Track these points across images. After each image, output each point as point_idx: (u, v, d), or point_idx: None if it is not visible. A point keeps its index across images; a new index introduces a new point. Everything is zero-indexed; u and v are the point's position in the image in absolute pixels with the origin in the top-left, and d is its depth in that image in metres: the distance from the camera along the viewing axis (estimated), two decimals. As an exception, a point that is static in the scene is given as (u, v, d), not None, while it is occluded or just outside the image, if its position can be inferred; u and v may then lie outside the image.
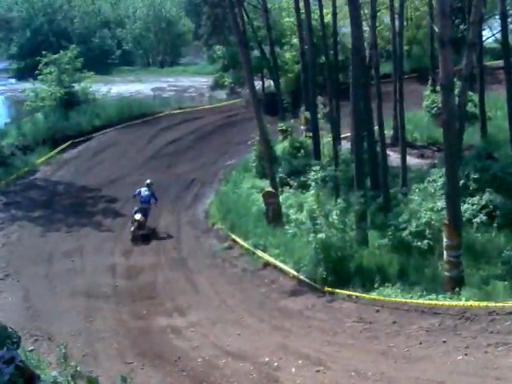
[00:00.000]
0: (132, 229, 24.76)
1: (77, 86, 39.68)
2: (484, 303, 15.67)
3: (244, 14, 32.86)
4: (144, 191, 25.70)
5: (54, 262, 22.80)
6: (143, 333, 17.74)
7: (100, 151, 35.34)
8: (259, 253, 21.99)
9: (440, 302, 16.42)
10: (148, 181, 26.25)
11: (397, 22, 27.14)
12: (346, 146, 29.05)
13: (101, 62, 56.99)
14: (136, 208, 25.30)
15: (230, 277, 21.35)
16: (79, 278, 21.50)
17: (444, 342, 14.78)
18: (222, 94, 44.56)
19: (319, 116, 28.95)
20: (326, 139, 28.41)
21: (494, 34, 42.86)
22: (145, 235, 24.82)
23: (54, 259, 23.08)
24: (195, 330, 17.69)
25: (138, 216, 24.83)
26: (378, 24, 29.60)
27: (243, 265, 21.93)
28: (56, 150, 34.58)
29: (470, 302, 15.90)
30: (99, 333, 17.63)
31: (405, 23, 39.76)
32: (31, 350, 15.51)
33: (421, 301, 16.77)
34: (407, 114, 27.95)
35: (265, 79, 42.19)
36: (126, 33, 65.76)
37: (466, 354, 13.93)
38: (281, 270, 20.72)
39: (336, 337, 16.32)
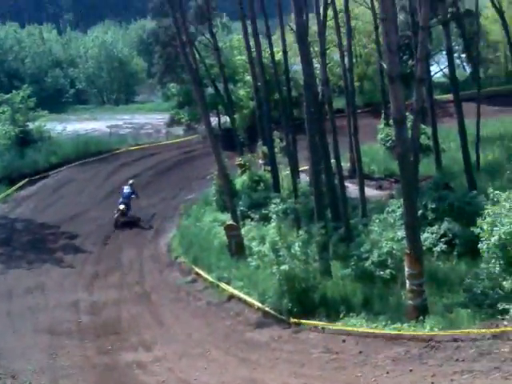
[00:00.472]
0: (115, 216, 29.50)
1: (31, 125, 39.66)
2: (449, 332, 15.75)
3: (196, 53, 33.13)
4: (126, 189, 30.71)
5: (15, 299, 22.50)
6: (109, 369, 17.59)
7: (58, 188, 35.13)
8: (223, 285, 21.99)
9: (406, 333, 16.39)
10: (130, 181, 31.57)
11: (346, 59, 27.76)
12: (304, 178, 29.35)
13: (55, 101, 56.64)
14: (119, 201, 30.00)
15: (194, 310, 21.30)
16: (42, 314, 21.23)
17: (411, 370, 14.71)
18: (178, 130, 44.53)
19: (276, 150, 29.26)
20: (285, 172, 28.69)
21: (441, 69, 44.23)
22: (126, 222, 29.47)
23: (15, 296, 22.77)
24: (161, 365, 17.59)
25: (121, 206, 29.71)
26: (328, 61, 30.02)
27: (208, 298, 21.91)
28: (13, 188, 34.31)
29: (435, 332, 15.96)
30: (64, 369, 17.44)
31: (354, 60, 40.49)
32: (-6, 389, 15.36)
33: (387, 330, 16.81)
34: (363, 147, 28.52)
35: (221, 115, 42.44)
36: (78, 72, 65.44)
37: (432, 383, 13.91)
38: (246, 302, 20.69)
39: (303, 368, 16.28)
